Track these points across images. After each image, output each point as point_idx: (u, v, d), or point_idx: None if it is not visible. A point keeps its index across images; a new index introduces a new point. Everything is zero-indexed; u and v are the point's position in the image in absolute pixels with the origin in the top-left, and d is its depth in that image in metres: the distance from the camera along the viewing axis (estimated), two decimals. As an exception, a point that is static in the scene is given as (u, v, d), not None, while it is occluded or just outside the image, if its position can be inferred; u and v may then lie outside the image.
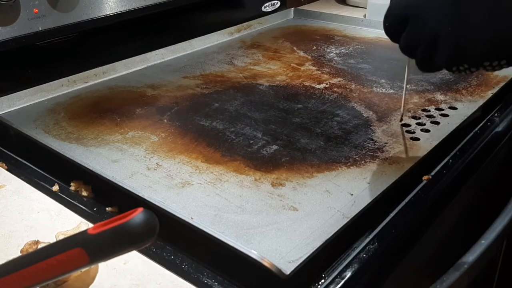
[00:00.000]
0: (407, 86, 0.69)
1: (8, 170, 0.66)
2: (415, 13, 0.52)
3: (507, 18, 0.47)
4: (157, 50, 0.99)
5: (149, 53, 0.98)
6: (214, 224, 0.52)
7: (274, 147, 0.66)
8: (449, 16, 0.49)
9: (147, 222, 0.34)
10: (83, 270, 0.45)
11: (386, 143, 0.66)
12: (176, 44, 1.02)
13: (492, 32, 0.48)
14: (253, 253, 0.46)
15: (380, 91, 0.83)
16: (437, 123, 0.71)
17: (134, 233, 0.34)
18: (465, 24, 0.48)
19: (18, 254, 0.50)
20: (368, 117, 0.74)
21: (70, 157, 0.63)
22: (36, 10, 0.80)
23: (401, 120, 0.72)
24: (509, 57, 0.49)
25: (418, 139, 0.67)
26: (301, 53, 1.02)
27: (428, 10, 0.51)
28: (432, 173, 0.62)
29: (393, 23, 0.54)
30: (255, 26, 1.19)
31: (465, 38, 0.49)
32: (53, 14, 0.82)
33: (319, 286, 0.47)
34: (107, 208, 0.58)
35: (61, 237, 0.50)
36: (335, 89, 0.84)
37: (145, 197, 0.55)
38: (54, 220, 0.56)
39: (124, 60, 0.94)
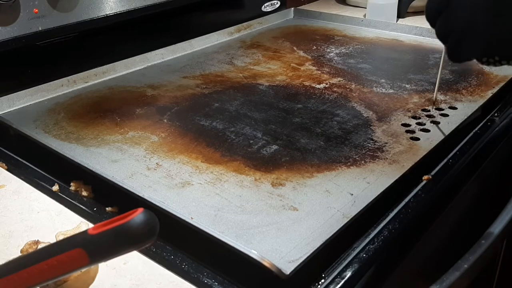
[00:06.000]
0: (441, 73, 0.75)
1: (8, 170, 0.66)
2: None
3: None
4: (157, 50, 0.99)
5: (149, 53, 0.98)
6: (214, 224, 0.52)
7: (274, 147, 0.66)
8: (486, 7, 0.49)
9: (147, 223, 0.34)
10: (83, 270, 0.45)
11: (386, 143, 0.66)
12: (176, 44, 1.02)
13: None
14: (253, 253, 0.46)
15: (380, 91, 0.83)
16: (437, 123, 0.71)
17: (134, 234, 0.34)
18: (502, 16, 0.48)
19: (18, 254, 0.50)
20: (368, 117, 0.74)
21: (70, 157, 0.63)
22: (36, 10, 0.80)
23: (434, 103, 0.76)
24: None
25: (418, 139, 0.67)
26: (301, 53, 1.02)
27: None
28: (432, 173, 0.62)
29: (433, 5, 0.54)
30: (255, 26, 1.19)
31: (500, 30, 0.48)
32: (53, 14, 0.82)
33: (319, 286, 0.47)
34: (107, 208, 0.58)
35: (61, 237, 0.50)
36: (335, 89, 0.84)
37: (145, 197, 0.55)
38: (54, 220, 0.56)
39: (124, 60, 0.94)
